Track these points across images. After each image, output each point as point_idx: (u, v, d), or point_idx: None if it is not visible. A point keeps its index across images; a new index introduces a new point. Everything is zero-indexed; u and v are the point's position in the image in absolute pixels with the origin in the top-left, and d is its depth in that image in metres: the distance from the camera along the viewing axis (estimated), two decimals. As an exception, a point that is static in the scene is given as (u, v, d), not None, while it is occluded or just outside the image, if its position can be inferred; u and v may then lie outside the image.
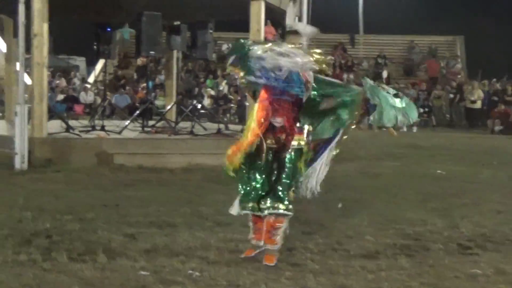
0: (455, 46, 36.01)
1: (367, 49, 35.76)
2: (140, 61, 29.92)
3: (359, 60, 34.65)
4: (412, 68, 34.45)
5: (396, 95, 6.72)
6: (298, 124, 6.47)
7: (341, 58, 33.67)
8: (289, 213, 6.48)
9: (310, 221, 8.21)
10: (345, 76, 31.51)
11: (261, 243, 6.59)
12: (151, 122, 15.69)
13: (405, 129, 20.63)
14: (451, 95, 29.52)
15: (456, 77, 32.46)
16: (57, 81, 29.47)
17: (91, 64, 33.02)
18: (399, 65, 35.10)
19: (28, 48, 12.88)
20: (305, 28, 6.69)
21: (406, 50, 35.69)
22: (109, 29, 16.14)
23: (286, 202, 6.44)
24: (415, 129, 25.20)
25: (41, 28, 12.63)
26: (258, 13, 13.69)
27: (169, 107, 16.88)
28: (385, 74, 32.38)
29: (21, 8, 12.22)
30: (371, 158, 15.40)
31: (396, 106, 6.71)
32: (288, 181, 6.45)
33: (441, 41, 36.54)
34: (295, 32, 6.56)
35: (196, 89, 28.06)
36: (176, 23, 16.08)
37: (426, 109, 28.14)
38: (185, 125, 15.18)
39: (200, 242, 7.11)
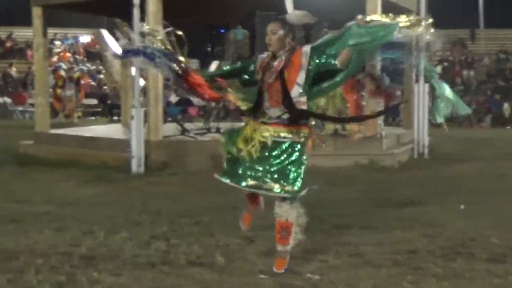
0: None
1: (488, 44, 34.62)
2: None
3: (479, 56, 33.60)
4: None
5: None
6: None
7: (460, 54, 32.78)
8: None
9: (432, 223, 7.96)
10: (464, 73, 30.72)
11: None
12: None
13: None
14: None
15: None
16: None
17: (204, 66, 33.31)
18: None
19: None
20: (293, 16, 6.31)
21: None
22: (222, 31, 16.20)
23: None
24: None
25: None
26: (374, 11, 13.43)
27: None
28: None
29: (136, 12, 12.36)
30: (492, 158, 14.89)
31: (451, 98, 6.38)
32: None
33: None
34: (278, 19, 6.22)
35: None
36: (290, 22, 15.96)
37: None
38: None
39: (318, 245, 6.99)
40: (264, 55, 6.15)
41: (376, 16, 6.15)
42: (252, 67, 6.16)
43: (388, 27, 6.05)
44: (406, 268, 6.22)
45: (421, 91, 14.80)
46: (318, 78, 6.06)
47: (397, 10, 15.00)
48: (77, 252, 6.64)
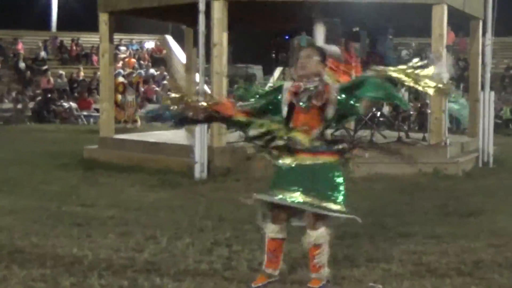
0: None
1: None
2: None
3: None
4: None
5: None
6: None
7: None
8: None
9: (498, 233, 7.81)
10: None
11: (276, 272, 6.02)
12: (329, 130, 15.50)
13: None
14: None
15: None
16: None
17: (268, 73, 33.36)
18: None
19: (207, 58, 13.07)
20: (328, 47, 6.38)
21: None
22: (287, 37, 16.17)
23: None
24: None
25: (221, 37, 12.79)
26: (440, 17, 13.29)
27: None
28: None
29: (201, 18, 12.43)
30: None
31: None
32: None
33: None
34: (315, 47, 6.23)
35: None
36: (355, 29, 15.87)
37: None
38: (364, 133, 14.92)
39: (382, 254, 6.93)
40: (289, 83, 6.08)
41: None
42: (278, 96, 6.07)
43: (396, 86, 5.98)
44: (471, 278, 6.11)
45: (486, 99, 14.57)
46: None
47: (464, 17, 14.86)
48: (140, 257, 6.69)
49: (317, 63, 5.93)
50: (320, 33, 6.94)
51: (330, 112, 5.93)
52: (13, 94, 28.88)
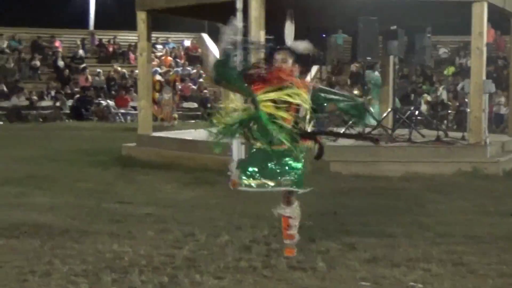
0: None
1: None
2: (354, 66, 29.82)
3: None
4: None
5: None
6: None
7: None
8: None
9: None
10: None
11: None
12: (366, 129, 15.45)
13: None
14: None
15: None
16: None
17: (304, 71, 33.26)
18: None
19: (244, 56, 13.07)
20: (298, 45, 6.87)
21: None
22: (323, 35, 16.12)
23: None
24: None
25: (258, 35, 12.78)
26: (480, 15, 13.19)
27: (385, 113, 16.61)
28: None
29: (239, 16, 12.41)
30: None
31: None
32: None
33: None
34: (286, 49, 6.83)
35: (412, 95, 27.60)
36: (393, 27, 15.79)
37: None
38: (402, 132, 14.86)
39: (421, 253, 6.89)
40: None
41: None
42: None
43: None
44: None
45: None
46: None
47: (503, 15, 14.71)
48: (179, 254, 6.72)
49: (292, 64, 6.63)
50: (289, 31, 7.66)
51: (302, 111, 6.61)
52: (52, 92, 29.13)
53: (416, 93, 27.65)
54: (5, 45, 31.81)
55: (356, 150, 13.15)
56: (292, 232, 6.83)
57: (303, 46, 6.84)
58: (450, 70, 29.10)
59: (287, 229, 6.86)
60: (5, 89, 28.24)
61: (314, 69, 28.45)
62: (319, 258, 6.58)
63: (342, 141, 13.68)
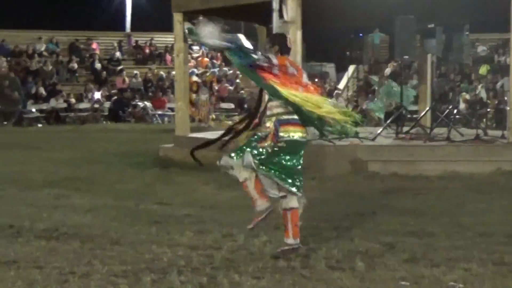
0: None
1: None
2: (391, 66, 29.67)
3: None
4: None
5: None
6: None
7: None
8: None
9: None
10: None
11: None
12: (405, 128, 15.36)
13: None
14: None
15: None
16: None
17: (340, 70, 33.25)
18: None
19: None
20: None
21: None
22: (360, 35, 16.08)
23: None
24: None
25: (295, 36, 12.75)
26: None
27: (423, 112, 16.50)
28: None
29: (275, 16, 12.43)
30: None
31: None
32: None
33: None
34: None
35: (451, 94, 27.39)
36: (430, 25, 15.67)
37: None
38: (440, 131, 14.74)
39: (461, 253, 6.82)
40: None
41: None
42: None
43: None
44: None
45: None
46: None
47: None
48: (218, 255, 6.73)
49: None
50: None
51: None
52: (90, 94, 29.35)
53: (455, 92, 27.43)
54: (43, 48, 32.13)
55: (394, 150, 13.09)
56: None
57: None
58: (484, 69, 28.86)
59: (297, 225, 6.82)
60: (43, 91, 28.50)
61: (351, 68, 28.47)
62: (358, 258, 6.54)
63: (380, 141, 13.65)
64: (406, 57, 15.11)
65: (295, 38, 12.77)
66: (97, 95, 29.18)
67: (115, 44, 34.05)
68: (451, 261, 6.53)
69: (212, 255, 6.73)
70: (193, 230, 7.85)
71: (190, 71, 26.71)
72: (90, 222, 8.35)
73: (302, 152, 6.87)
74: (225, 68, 33.37)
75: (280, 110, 6.71)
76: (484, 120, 20.57)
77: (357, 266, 6.31)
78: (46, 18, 34.68)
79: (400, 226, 8.05)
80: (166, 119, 28.32)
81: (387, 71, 22.89)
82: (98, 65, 31.84)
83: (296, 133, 6.75)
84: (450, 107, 16.45)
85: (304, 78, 6.76)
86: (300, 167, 6.83)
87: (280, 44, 6.88)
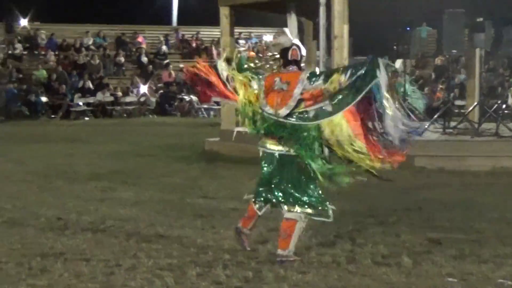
0: None
1: None
2: (438, 60, 29.38)
3: None
4: None
5: None
6: None
7: None
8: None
9: None
10: None
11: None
12: (452, 124, 15.21)
13: None
14: None
15: None
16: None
17: (389, 64, 32.94)
18: None
19: (328, 50, 13.00)
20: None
21: None
22: (408, 28, 15.93)
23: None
24: None
25: (342, 29, 12.69)
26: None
27: (471, 107, 16.31)
28: None
29: (322, 11, 12.37)
30: None
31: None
32: None
33: None
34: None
35: (499, 88, 27.06)
36: (479, 19, 15.48)
37: None
38: (488, 126, 14.56)
39: (509, 250, 6.76)
40: None
41: None
42: None
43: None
44: None
45: None
46: None
47: None
48: (263, 249, 6.72)
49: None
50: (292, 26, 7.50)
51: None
52: (136, 88, 29.52)
53: (503, 86, 27.08)
54: (90, 42, 32.39)
55: (441, 145, 12.96)
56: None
57: (284, 39, 6.74)
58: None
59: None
60: (90, 85, 28.74)
61: (398, 62, 28.13)
62: (405, 253, 6.52)
63: (427, 135, 13.51)
64: (454, 51, 14.94)
65: (342, 32, 12.70)
66: (143, 88, 29.31)
67: (162, 38, 34.19)
68: (499, 257, 6.46)
69: (257, 249, 6.73)
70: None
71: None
72: (135, 215, 8.40)
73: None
74: (271, 62, 33.34)
75: None
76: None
77: (403, 261, 6.27)
78: (93, 12, 34.93)
79: (447, 222, 7.97)
80: (212, 113, 28.35)
81: (398, 63, 22.48)
82: (144, 59, 32.00)
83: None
84: (499, 102, 16.24)
85: (297, 90, 6.44)
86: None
87: (282, 57, 6.87)
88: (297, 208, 6.38)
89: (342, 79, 6.20)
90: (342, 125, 6.22)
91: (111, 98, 28.49)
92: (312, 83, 6.35)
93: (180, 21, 37.73)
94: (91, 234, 7.43)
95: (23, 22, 33.06)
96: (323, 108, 6.27)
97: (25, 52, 31.27)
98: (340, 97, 6.18)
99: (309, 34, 16.82)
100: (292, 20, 14.28)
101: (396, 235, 7.31)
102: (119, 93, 28.95)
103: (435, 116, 15.26)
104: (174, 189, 10.45)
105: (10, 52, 30.76)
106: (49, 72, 28.98)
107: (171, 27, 36.56)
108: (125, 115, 27.87)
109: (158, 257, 6.44)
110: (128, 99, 28.83)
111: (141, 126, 23.47)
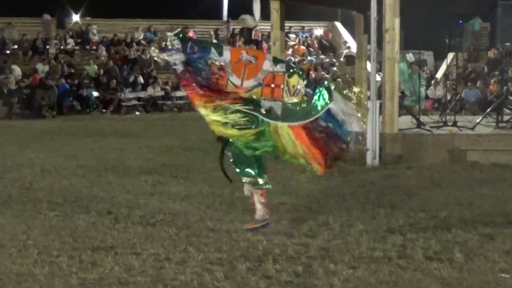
0: None
1: None
2: (491, 53, 29.01)
3: None
4: None
5: None
6: None
7: None
8: None
9: None
10: None
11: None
12: (505, 117, 14.98)
13: None
14: None
15: None
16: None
17: (438, 58, 32.69)
18: None
19: (379, 44, 12.89)
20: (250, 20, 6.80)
21: None
22: (460, 21, 15.74)
23: None
24: None
25: (393, 23, 12.56)
26: None
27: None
28: None
29: (373, 4, 12.27)
30: None
31: None
32: None
33: None
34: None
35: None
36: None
37: None
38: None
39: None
40: None
41: None
42: None
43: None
44: None
45: None
46: None
47: None
48: (313, 244, 6.69)
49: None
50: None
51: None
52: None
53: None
54: (141, 37, 32.64)
55: (494, 139, 12.76)
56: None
57: (250, 21, 7.02)
58: None
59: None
60: (141, 80, 28.94)
61: (450, 56, 27.88)
62: (457, 248, 6.45)
63: (479, 129, 13.34)
64: (508, 44, 14.71)
65: (394, 25, 12.57)
66: (194, 83, 29.39)
67: (212, 32, 34.29)
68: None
69: (307, 243, 6.70)
70: (288, 218, 7.83)
71: (287, 59, 26.73)
72: (186, 209, 8.42)
73: None
74: (322, 56, 33.25)
75: None
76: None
77: (456, 257, 6.20)
78: (144, 7, 35.18)
79: (500, 217, 7.85)
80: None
81: (409, 57, 22.10)
82: (194, 54, 32.11)
83: None
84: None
85: (266, 65, 6.77)
86: None
87: (244, 36, 7.08)
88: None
89: (300, 82, 6.75)
90: (288, 132, 6.92)
91: (162, 93, 28.66)
92: (275, 67, 6.76)
93: (230, 15, 37.78)
94: (141, 228, 7.47)
95: (75, 17, 33.45)
96: (275, 109, 6.82)
97: (76, 47, 31.64)
98: (290, 108, 6.80)
99: (360, 28, 16.70)
100: (257, 3, 14.31)
101: (448, 230, 7.21)
102: (170, 88, 29.09)
103: (488, 110, 15.07)
104: (224, 184, 10.37)
105: (62, 47, 31.14)
106: (100, 67, 29.27)
107: (220, 21, 36.65)
108: (175, 109, 28.03)
109: (208, 251, 6.45)
110: (178, 93, 28.90)
111: (192, 120, 23.45)
